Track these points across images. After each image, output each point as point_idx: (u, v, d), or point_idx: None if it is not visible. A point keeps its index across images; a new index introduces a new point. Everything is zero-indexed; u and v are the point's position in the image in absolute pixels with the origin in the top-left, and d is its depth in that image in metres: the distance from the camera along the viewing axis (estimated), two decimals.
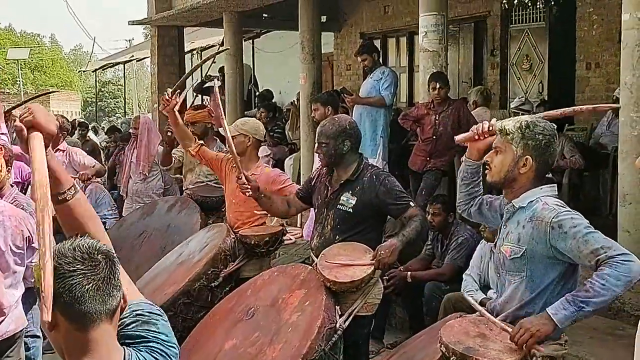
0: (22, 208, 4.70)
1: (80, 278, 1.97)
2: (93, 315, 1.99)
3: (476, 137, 3.56)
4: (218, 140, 7.52)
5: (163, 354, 2.17)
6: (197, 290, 5.05)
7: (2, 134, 5.48)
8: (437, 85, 7.34)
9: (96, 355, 2.00)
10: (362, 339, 4.48)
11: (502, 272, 3.42)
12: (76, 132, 13.80)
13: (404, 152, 9.11)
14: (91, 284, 1.98)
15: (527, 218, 3.26)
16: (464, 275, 5.56)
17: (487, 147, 3.54)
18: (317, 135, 4.86)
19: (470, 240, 6.06)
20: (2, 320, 4.31)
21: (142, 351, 2.13)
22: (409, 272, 6.08)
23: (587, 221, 3.19)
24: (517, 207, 3.34)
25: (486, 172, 3.44)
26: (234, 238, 5.48)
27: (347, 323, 4.15)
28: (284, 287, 4.49)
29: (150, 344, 2.17)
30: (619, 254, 3.04)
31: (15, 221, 4.32)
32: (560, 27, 10.17)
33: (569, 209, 3.25)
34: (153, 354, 2.15)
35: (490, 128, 3.50)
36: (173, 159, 7.80)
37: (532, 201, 3.30)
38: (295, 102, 13.00)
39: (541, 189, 3.33)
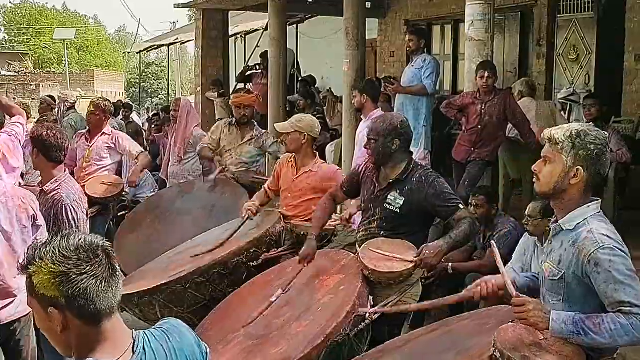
0: (59, 197, 4.72)
1: (92, 279, 1.98)
2: (106, 310, 2.02)
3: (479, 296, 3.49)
4: (256, 123, 7.55)
5: (172, 331, 2.21)
6: (234, 264, 5.09)
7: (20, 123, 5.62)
8: (486, 74, 7.24)
9: (109, 343, 2.04)
10: (390, 336, 4.35)
11: (543, 290, 3.34)
12: (120, 113, 13.95)
13: (447, 141, 9.05)
14: (103, 283, 2.00)
15: (571, 242, 3.12)
16: (505, 267, 5.50)
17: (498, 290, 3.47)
18: (368, 130, 4.84)
19: (514, 232, 6.01)
20: (11, 303, 4.36)
21: (150, 330, 2.19)
22: (450, 263, 6.04)
23: (629, 264, 3.03)
24: (564, 228, 3.19)
25: (534, 181, 3.30)
26: (283, 226, 5.50)
27: (377, 315, 4.12)
28: (323, 269, 4.53)
29: (162, 325, 2.23)
30: None
31: (18, 200, 4.36)
32: (609, 18, 9.99)
33: (614, 243, 3.05)
34: (161, 331, 2.20)
35: (491, 290, 3.45)
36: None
37: (579, 223, 3.14)
38: (332, 90, 13.01)
39: (588, 206, 3.16)
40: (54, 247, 2.00)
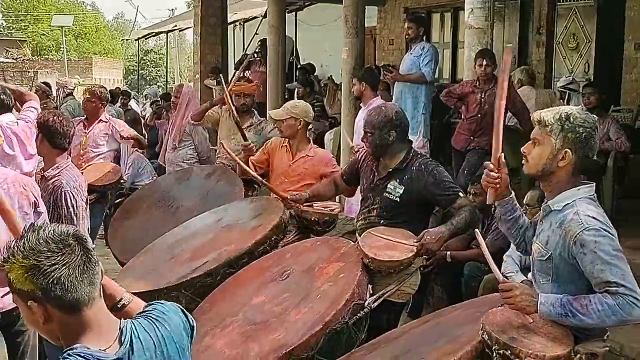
0: (60, 184, 4.75)
1: (64, 269, 1.99)
2: (85, 298, 2.02)
3: (492, 189, 3.42)
4: (256, 112, 7.53)
5: (160, 319, 2.21)
6: (260, 253, 5.06)
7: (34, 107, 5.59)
8: (484, 63, 7.22)
9: (94, 331, 2.05)
10: (387, 325, 4.40)
11: (534, 270, 3.38)
12: (118, 100, 13.93)
13: (446, 129, 9.04)
14: (76, 271, 2.00)
15: (558, 223, 3.15)
16: (504, 257, 5.51)
17: (506, 187, 3.43)
18: (364, 123, 4.84)
19: None
20: None
21: (138, 319, 2.19)
22: (449, 252, 6.04)
23: (616, 244, 3.05)
24: (553, 209, 3.22)
25: (523, 163, 3.33)
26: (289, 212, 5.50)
27: (376, 304, 4.12)
28: (323, 256, 4.51)
29: (150, 313, 2.23)
30: (629, 294, 2.97)
31: (19, 187, 4.37)
32: (609, 6, 9.98)
33: (600, 224, 3.06)
34: (149, 319, 2.20)
35: (495, 171, 3.38)
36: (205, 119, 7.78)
37: (567, 204, 3.16)
38: (333, 77, 12.98)
39: (578, 189, 3.18)
40: (24, 242, 2.01)
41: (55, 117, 4.87)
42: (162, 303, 2.31)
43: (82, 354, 1.98)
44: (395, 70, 8.42)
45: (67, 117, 5.09)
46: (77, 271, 2.00)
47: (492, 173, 3.38)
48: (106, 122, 7.26)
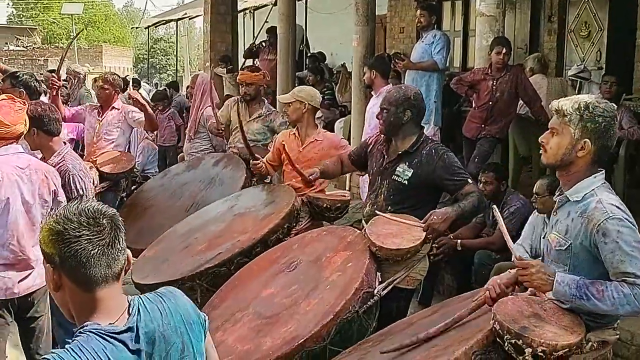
0: (66, 168, 4.83)
1: (85, 244, 2.03)
2: (99, 278, 2.06)
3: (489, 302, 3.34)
4: (266, 101, 7.52)
5: (166, 294, 2.26)
6: (273, 241, 5.06)
7: None
8: (503, 51, 7.20)
9: (104, 312, 2.09)
10: (398, 312, 4.41)
11: (548, 261, 3.35)
12: (129, 88, 13.91)
13: (457, 118, 9.01)
14: (96, 249, 2.04)
15: (579, 212, 3.13)
16: (514, 245, 5.49)
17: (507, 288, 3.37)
18: (382, 100, 4.83)
19: (523, 209, 5.99)
20: (30, 274, 4.42)
21: (145, 295, 2.23)
22: (459, 240, 6.04)
23: (637, 235, 3.04)
24: (571, 199, 3.20)
25: (541, 152, 3.31)
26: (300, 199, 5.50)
27: (385, 291, 4.11)
28: (330, 246, 4.50)
29: (157, 292, 2.27)
30: None
31: (42, 174, 4.44)
32: None
33: (623, 213, 3.06)
34: (155, 294, 2.25)
35: (499, 290, 3.31)
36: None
37: (586, 194, 3.15)
38: (346, 65, 12.94)
39: (595, 177, 3.17)
40: (63, 208, 2.09)
41: (42, 106, 4.96)
42: (170, 287, 2.36)
43: (94, 330, 2.02)
44: (406, 58, 8.37)
45: (50, 103, 5.15)
46: (97, 250, 2.04)
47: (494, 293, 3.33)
48: (119, 109, 7.25)
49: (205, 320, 2.33)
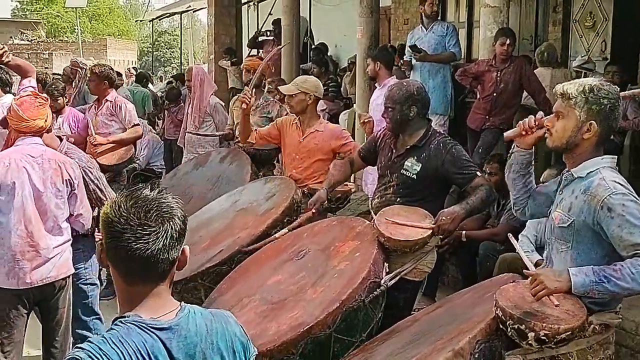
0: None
1: (130, 237, 1.97)
2: (137, 277, 2.03)
3: (524, 132, 3.43)
4: (265, 92, 7.55)
5: (219, 316, 2.18)
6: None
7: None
8: (507, 42, 7.20)
9: (146, 307, 2.04)
10: (404, 303, 4.44)
11: (552, 239, 3.38)
12: (130, 81, 13.89)
13: (461, 109, 9.00)
14: (140, 250, 1.98)
15: (582, 189, 3.17)
16: (519, 236, 5.49)
17: (537, 141, 3.43)
18: (385, 99, 4.83)
19: None
20: (42, 264, 4.43)
21: (200, 309, 2.16)
22: (464, 231, 6.04)
23: None
24: (576, 176, 3.25)
25: (546, 136, 3.34)
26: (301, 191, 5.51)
27: (392, 282, 4.13)
28: (339, 236, 4.53)
29: (212, 310, 2.21)
30: None
31: (55, 164, 4.47)
32: None
33: (626, 189, 3.11)
34: (210, 312, 2.18)
35: (537, 122, 3.38)
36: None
37: (591, 172, 3.20)
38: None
39: (602, 158, 3.23)
40: (126, 192, 2.05)
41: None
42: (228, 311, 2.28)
43: (136, 323, 1.99)
44: (423, 51, 8.29)
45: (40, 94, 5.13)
46: (140, 250, 1.97)
47: (533, 120, 3.38)
48: (112, 101, 7.17)
49: (252, 356, 2.23)
